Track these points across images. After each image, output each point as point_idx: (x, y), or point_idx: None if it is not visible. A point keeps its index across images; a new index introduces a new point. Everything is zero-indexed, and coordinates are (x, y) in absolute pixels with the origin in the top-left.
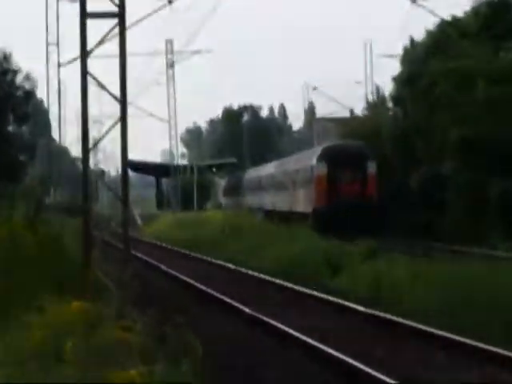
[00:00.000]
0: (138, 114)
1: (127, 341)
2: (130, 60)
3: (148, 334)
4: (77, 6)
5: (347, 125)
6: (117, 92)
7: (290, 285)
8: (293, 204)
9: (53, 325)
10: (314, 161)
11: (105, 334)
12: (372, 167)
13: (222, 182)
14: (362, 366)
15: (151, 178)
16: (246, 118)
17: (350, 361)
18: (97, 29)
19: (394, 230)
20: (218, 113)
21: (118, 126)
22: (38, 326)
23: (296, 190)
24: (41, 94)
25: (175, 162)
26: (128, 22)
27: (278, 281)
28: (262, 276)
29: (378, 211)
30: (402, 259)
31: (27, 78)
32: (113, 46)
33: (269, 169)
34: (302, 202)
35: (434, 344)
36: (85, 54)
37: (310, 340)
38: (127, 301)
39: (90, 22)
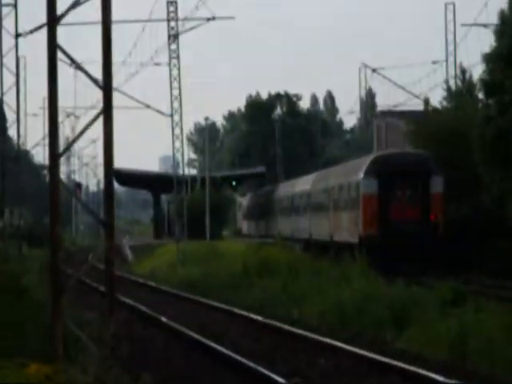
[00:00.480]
0: (128, 105)
1: None
2: (116, 30)
3: None
4: None
5: (420, 122)
6: (98, 75)
7: (340, 345)
8: (334, 231)
9: None
10: (361, 175)
11: None
12: (438, 184)
13: (243, 201)
14: None
15: (146, 195)
16: (278, 111)
17: None
18: None
19: (484, 267)
20: (239, 104)
21: (100, 122)
22: None
23: (337, 213)
24: None
25: (180, 172)
26: None
27: (325, 340)
28: (301, 333)
29: (442, 242)
30: (497, 307)
31: None
32: (92, 9)
33: (304, 184)
34: (346, 228)
35: None
36: (54, 19)
37: None
38: (111, 363)
39: None
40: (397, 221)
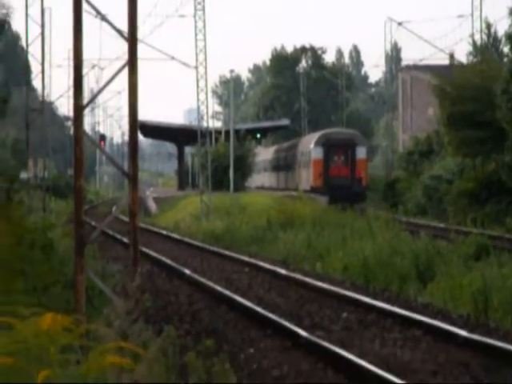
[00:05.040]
0: (153, 56)
1: (132, 374)
2: None
3: (164, 363)
4: None
5: (446, 75)
6: (123, 26)
7: (364, 298)
8: (299, 182)
9: (13, 349)
10: (312, 145)
11: (96, 364)
12: (362, 152)
13: (266, 153)
14: None
15: (171, 147)
16: (303, 64)
17: None
18: None
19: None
20: (264, 57)
21: (125, 74)
22: None
23: (300, 170)
24: (17, 26)
25: (204, 125)
26: None
27: (348, 293)
28: (324, 286)
29: (364, 190)
30: None
31: None
32: None
33: (281, 150)
34: (304, 180)
35: None
36: None
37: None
38: (136, 316)
39: None
40: (335, 176)
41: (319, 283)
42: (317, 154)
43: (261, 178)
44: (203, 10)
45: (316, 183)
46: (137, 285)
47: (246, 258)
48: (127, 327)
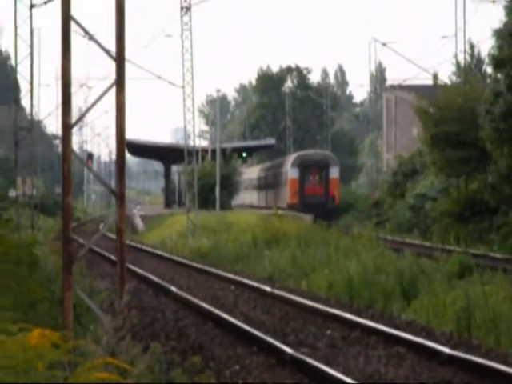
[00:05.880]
0: (141, 76)
1: None
2: (129, 3)
3: (151, 380)
4: None
5: (429, 96)
6: (111, 46)
7: (348, 316)
8: (277, 200)
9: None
10: (289, 166)
11: (84, 380)
12: (335, 172)
13: (251, 172)
14: None
15: (157, 166)
16: (289, 83)
17: None
18: None
19: (492, 241)
20: (250, 77)
21: (113, 93)
22: None
23: (278, 189)
24: (6, 45)
25: (191, 143)
26: None
27: (331, 310)
28: (309, 303)
29: (337, 208)
30: (503, 281)
31: None
32: None
33: (260, 170)
34: (281, 198)
35: None
36: None
37: None
38: (123, 334)
39: None
40: (309, 195)
41: (304, 300)
42: (293, 173)
43: (247, 197)
44: (190, 30)
45: (292, 201)
46: (124, 302)
47: (232, 276)
48: (115, 344)
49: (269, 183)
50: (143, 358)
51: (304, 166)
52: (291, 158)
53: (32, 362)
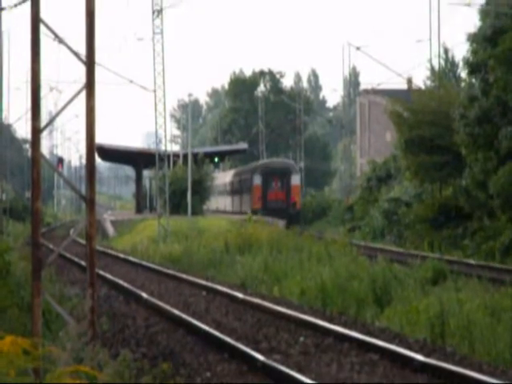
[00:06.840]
0: (111, 80)
1: None
2: (100, 6)
3: None
4: None
5: (403, 100)
6: (81, 49)
7: (321, 323)
8: (242, 205)
9: None
10: (253, 173)
11: None
12: (296, 179)
13: (223, 177)
14: None
15: (129, 170)
16: (262, 87)
17: None
18: None
19: (466, 247)
20: (223, 81)
21: (83, 97)
22: None
23: (243, 195)
24: None
25: (162, 148)
26: None
27: (303, 317)
28: (280, 309)
29: (299, 213)
30: (477, 287)
31: None
32: None
33: (229, 175)
34: (246, 203)
35: None
36: None
37: None
38: (89, 339)
39: None
40: (272, 200)
41: (276, 307)
42: (257, 180)
43: (220, 202)
44: (161, 33)
45: (256, 206)
46: (89, 306)
47: (204, 282)
48: (80, 349)
49: (239, 189)
50: (111, 363)
51: (267, 174)
52: (255, 166)
53: (4, 368)
